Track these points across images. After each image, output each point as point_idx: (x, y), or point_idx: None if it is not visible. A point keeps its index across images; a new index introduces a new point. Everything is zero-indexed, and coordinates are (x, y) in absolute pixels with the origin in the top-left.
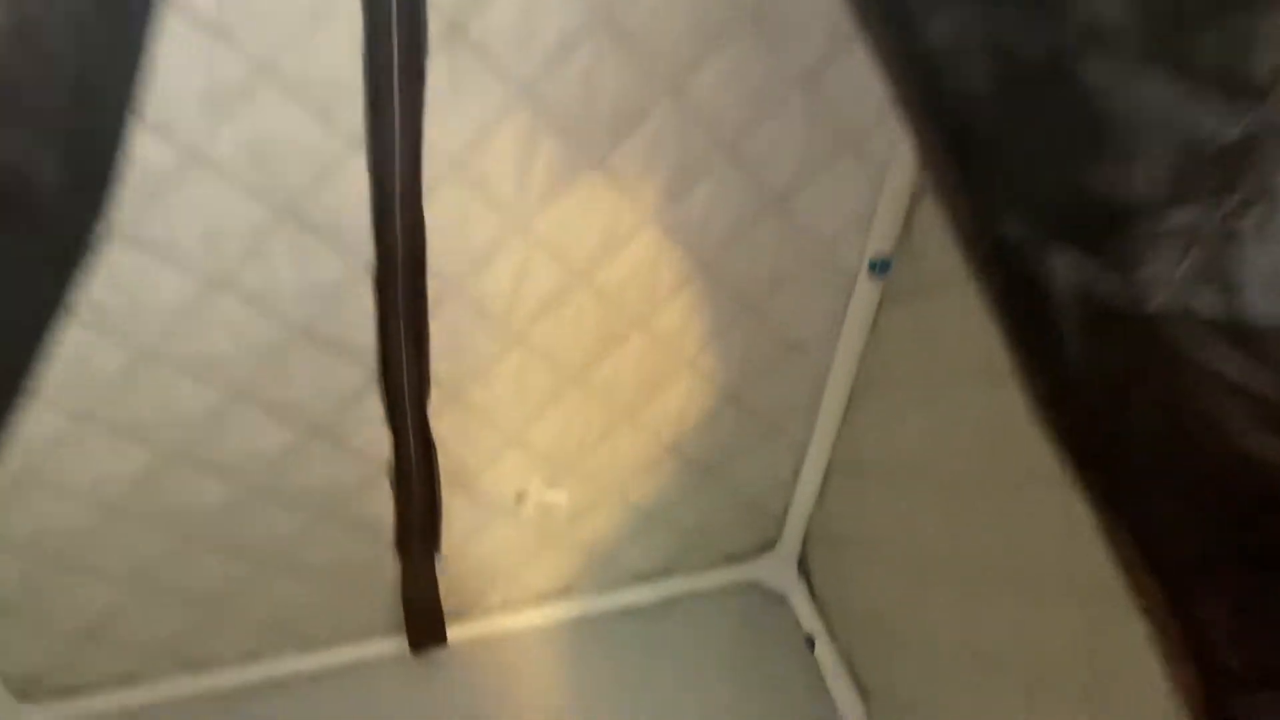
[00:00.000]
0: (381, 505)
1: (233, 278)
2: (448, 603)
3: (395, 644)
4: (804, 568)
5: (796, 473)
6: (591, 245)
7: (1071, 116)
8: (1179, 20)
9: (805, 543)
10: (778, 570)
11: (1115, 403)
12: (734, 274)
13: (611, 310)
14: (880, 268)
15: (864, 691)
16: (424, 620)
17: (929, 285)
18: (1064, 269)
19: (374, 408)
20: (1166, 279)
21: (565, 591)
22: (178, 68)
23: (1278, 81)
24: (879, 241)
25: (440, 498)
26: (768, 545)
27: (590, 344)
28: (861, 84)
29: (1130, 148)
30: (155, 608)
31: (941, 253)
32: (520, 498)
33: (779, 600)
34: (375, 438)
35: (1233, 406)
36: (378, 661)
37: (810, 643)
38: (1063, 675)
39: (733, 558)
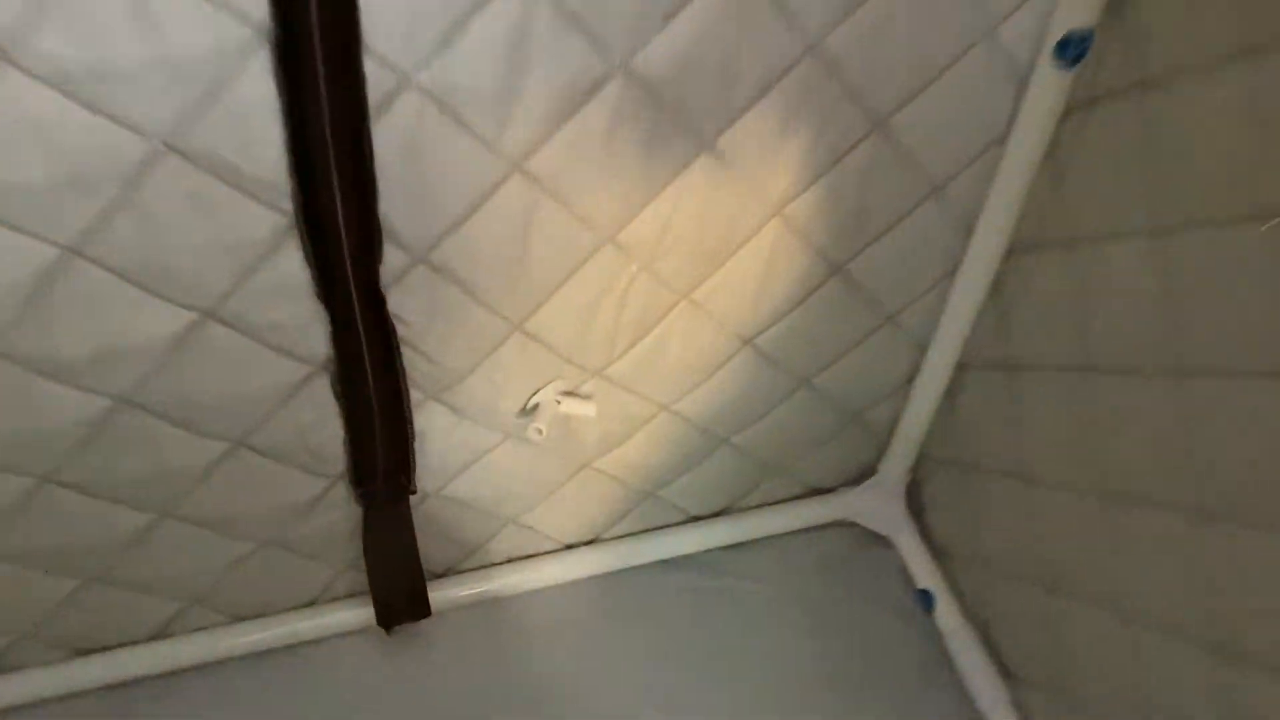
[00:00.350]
0: (325, 424)
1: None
2: (430, 559)
3: (362, 614)
4: (915, 502)
5: (913, 375)
6: None
7: None
8: None
9: (919, 468)
10: (880, 504)
11: None
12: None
13: (669, 115)
14: (1071, 50)
15: (1006, 672)
16: (397, 586)
17: (1157, 77)
18: None
19: (294, 271)
20: None
21: (593, 539)
22: None
23: None
24: (1072, 11)
25: (409, 412)
26: (866, 472)
27: (628, 179)
28: None
29: None
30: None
31: (1188, 21)
32: (528, 412)
33: (880, 544)
34: (305, 322)
35: None
36: (341, 635)
37: (926, 600)
38: None
39: (818, 488)
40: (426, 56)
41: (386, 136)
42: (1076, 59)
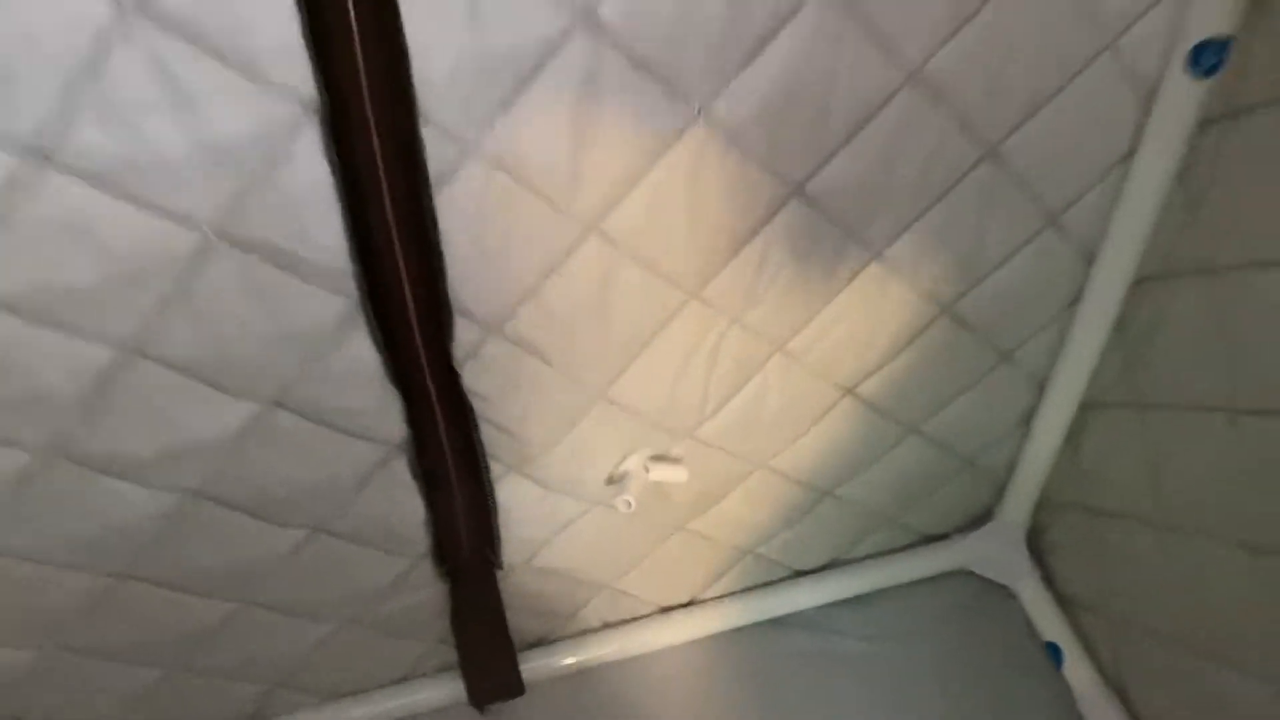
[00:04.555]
0: (405, 505)
1: None
2: (522, 631)
3: (455, 688)
4: (1038, 548)
5: (1030, 415)
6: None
7: None
8: None
9: (1039, 513)
10: (999, 551)
11: None
12: (961, 96)
13: (755, 160)
14: (1207, 59)
15: None
16: (488, 663)
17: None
18: None
19: (364, 354)
20: None
21: (691, 601)
22: None
23: None
24: (1206, 17)
25: (490, 487)
26: (982, 518)
27: (724, 219)
28: None
29: None
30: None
31: None
32: (616, 481)
33: (1001, 594)
34: (375, 403)
35: None
36: (434, 712)
37: (1055, 654)
38: None
39: (931, 536)
40: (489, 119)
41: (451, 208)
42: (1213, 69)
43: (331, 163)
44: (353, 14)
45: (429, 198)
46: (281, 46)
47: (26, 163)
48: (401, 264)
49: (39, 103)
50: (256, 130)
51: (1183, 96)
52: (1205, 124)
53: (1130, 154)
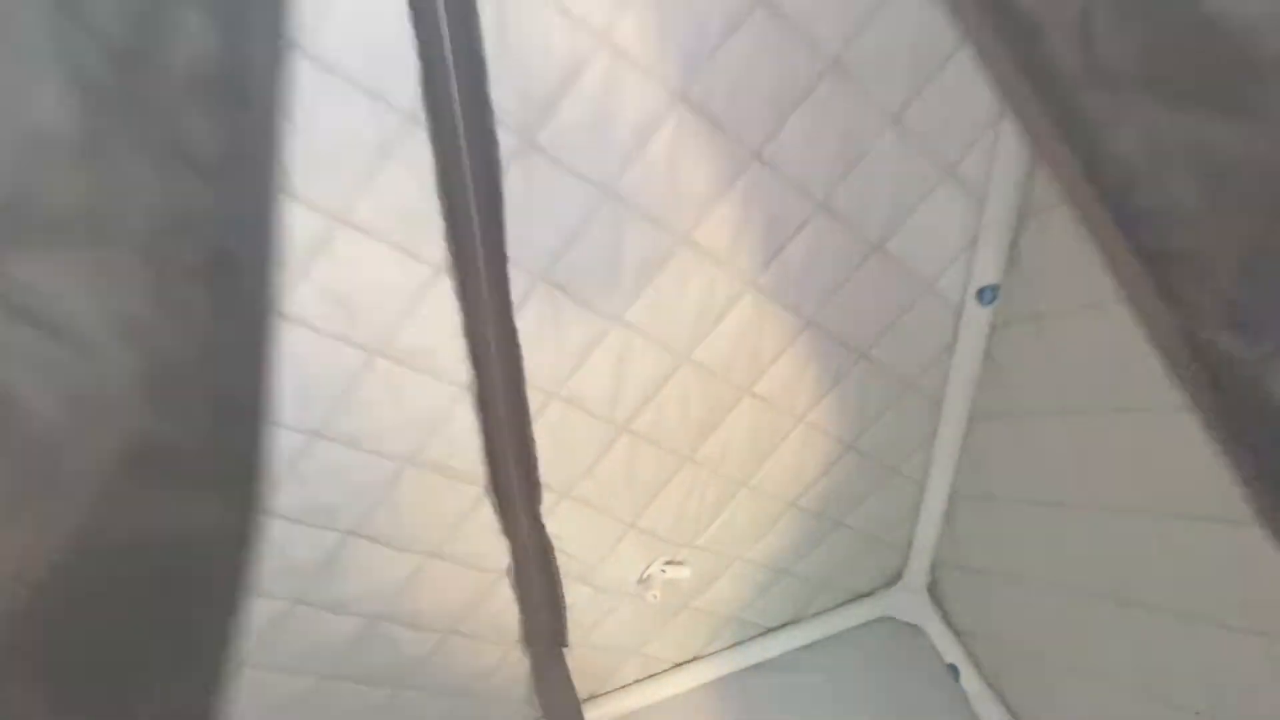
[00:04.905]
0: (506, 610)
1: (330, 424)
2: (581, 689)
3: None
4: (936, 595)
5: (917, 506)
6: (689, 323)
7: None
8: None
9: (934, 571)
10: (908, 601)
11: None
12: (839, 324)
13: (716, 383)
14: (987, 297)
15: None
16: (563, 714)
17: (1046, 311)
18: None
19: (488, 520)
20: None
21: (695, 657)
22: None
23: None
24: (985, 269)
25: (562, 595)
26: (894, 578)
27: (697, 420)
28: (949, 113)
29: None
30: None
31: (1059, 276)
32: (644, 581)
33: (914, 631)
34: (493, 548)
35: None
36: None
37: (954, 672)
38: (1239, 708)
39: (860, 594)
40: (570, 368)
41: (539, 431)
42: (991, 300)
43: (479, 421)
44: None
45: (528, 425)
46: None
47: None
48: (513, 465)
49: None
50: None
51: (977, 320)
52: (993, 334)
53: (952, 351)
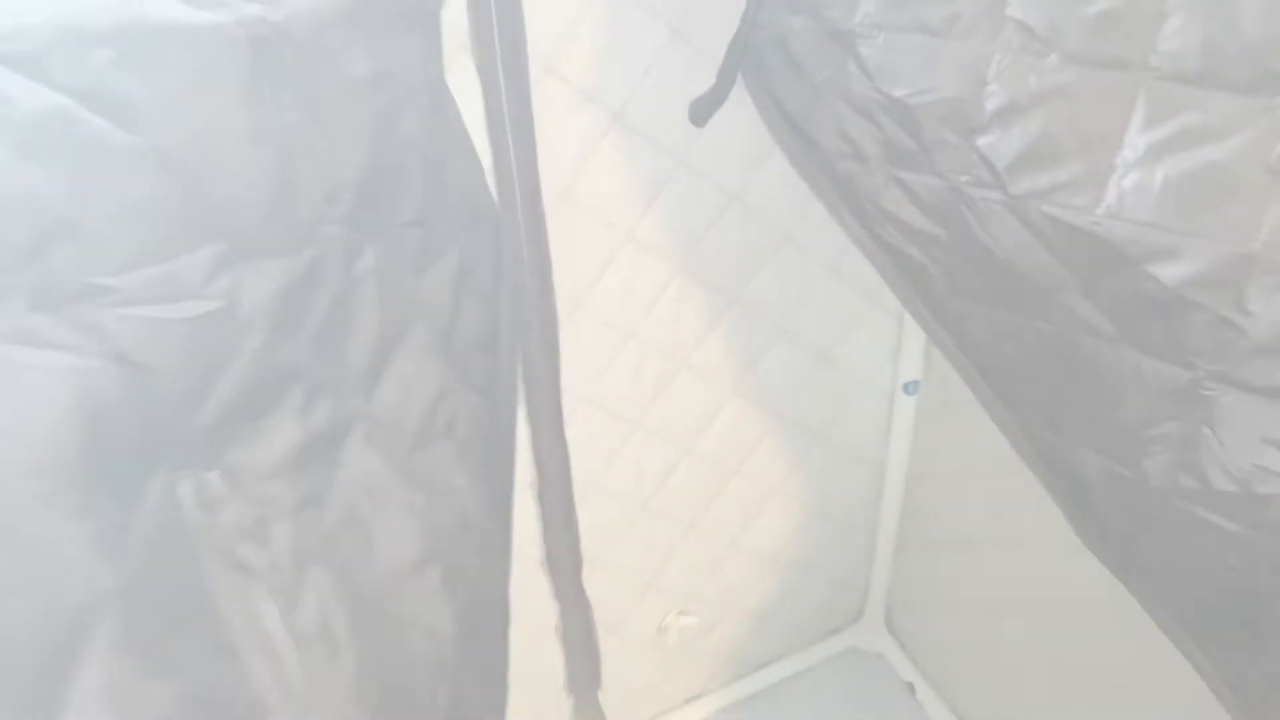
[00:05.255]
0: (553, 660)
1: None
2: None
3: None
4: (892, 627)
5: (872, 554)
6: (690, 423)
7: (1079, 375)
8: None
9: (888, 607)
10: (870, 634)
11: (1129, 535)
12: (801, 416)
13: (712, 467)
14: (911, 389)
15: None
16: None
17: (956, 400)
18: (1091, 463)
19: (542, 586)
20: (1158, 467)
21: (700, 694)
22: None
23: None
24: (908, 368)
25: (598, 645)
26: (857, 615)
27: (699, 496)
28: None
29: (1116, 392)
30: None
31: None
32: (662, 629)
33: (876, 658)
34: (545, 609)
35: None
36: None
37: (911, 689)
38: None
39: (831, 630)
40: (604, 466)
41: (581, 514)
42: (914, 390)
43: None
44: None
45: (574, 512)
46: None
47: None
48: (562, 543)
49: None
50: None
51: (906, 407)
52: (919, 416)
53: (888, 430)
